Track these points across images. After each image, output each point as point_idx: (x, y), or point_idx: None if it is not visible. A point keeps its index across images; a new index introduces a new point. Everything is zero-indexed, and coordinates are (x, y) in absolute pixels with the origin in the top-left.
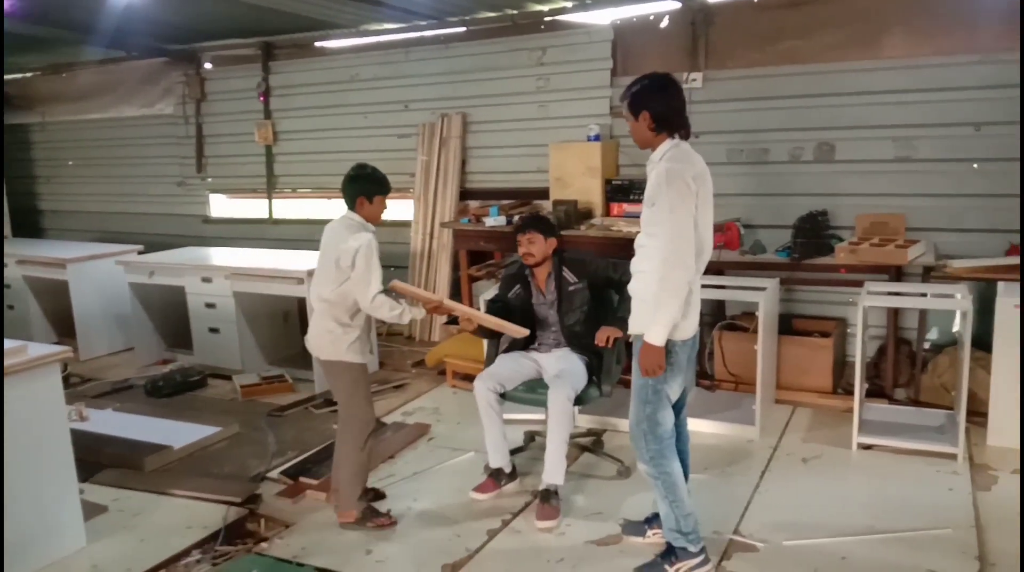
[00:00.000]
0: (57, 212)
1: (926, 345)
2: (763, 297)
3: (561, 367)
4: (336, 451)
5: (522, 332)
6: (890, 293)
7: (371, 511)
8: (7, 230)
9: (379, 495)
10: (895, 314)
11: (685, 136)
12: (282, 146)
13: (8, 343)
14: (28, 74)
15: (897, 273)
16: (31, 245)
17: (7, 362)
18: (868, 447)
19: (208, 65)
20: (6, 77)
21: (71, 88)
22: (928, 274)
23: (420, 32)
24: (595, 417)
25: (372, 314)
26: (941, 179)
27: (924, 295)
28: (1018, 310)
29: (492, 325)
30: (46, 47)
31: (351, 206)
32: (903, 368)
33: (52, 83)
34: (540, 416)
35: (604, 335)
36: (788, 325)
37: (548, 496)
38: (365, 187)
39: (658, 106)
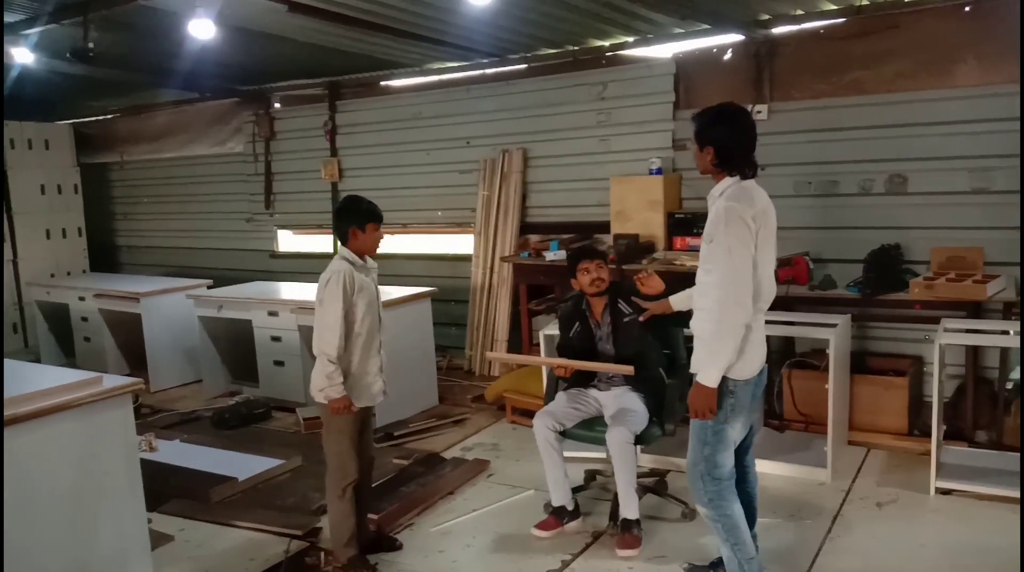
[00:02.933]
0: (132, 248)
1: (1008, 385)
2: (834, 333)
3: (620, 407)
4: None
5: (627, 369)
6: (969, 330)
7: (358, 560)
8: (86, 264)
9: (393, 545)
10: (974, 352)
11: (751, 175)
12: (347, 183)
13: (84, 374)
14: (108, 116)
15: (976, 309)
16: (107, 279)
17: (84, 393)
18: (947, 492)
19: (277, 105)
20: (88, 119)
21: (148, 128)
22: (1009, 310)
23: (482, 70)
24: (657, 457)
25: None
26: (1020, 211)
27: (1006, 333)
28: None
29: (597, 369)
30: (125, 90)
31: (343, 240)
32: (984, 409)
33: (130, 124)
34: (601, 454)
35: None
36: (861, 363)
37: (629, 525)
38: (356, 218)
39: (724, 143)
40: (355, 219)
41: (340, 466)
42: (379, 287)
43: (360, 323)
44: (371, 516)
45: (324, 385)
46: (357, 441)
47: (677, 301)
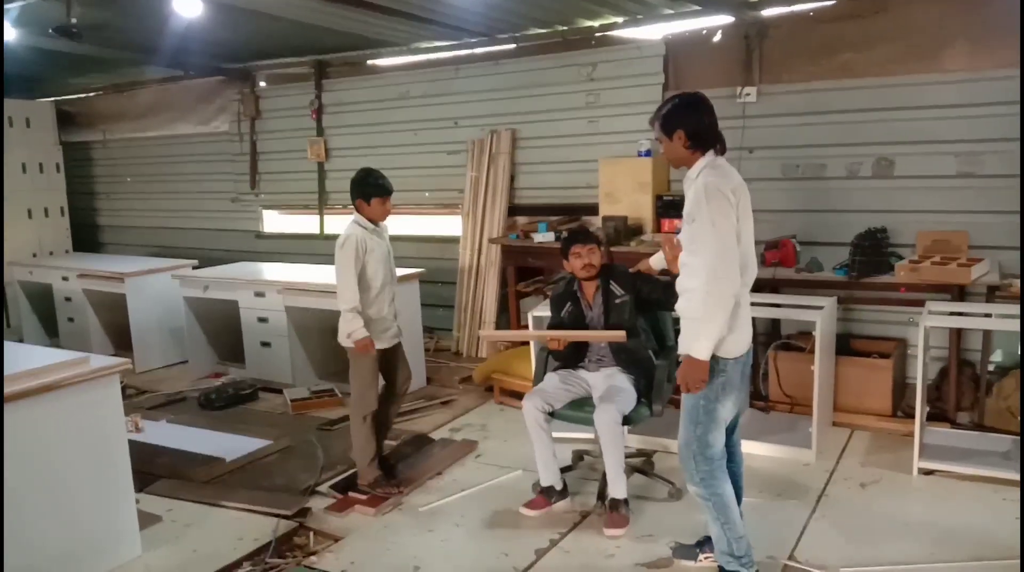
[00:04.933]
0: (115, 227)
1: (991, 367)
2: (820, 316)
3: (608, 387)
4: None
5: (619, 335)
6: (953, 313)
7: (383, 478)
8: (69, 244)
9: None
10: (958, 335)
11: (721, 151)
12: (334, 163)
13: (71, 354)
14: (91, 94)
15: (960, 292)
16: (91, 259)
17: (71, 373)
18: (930, 472)
19: (262, 83)
20: (70, 96)
21: (131, 107)
22: (993, 293)
23: (470, 49)
24: (645, 437)
25: None
26: (1006, 195)
27: (989, 315)
28: None
29: (589, 338)
30: (108, 67)
31: (357, 208)
32: (966, 391)
33: (113, 102)
34: (589, 435)
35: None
36: (846, 345)
37: (617, 505)
38: (362, 190)
39: (691, 123)
40: (362, 192)
41: (361, 397)
42: (391, 247)
43: (373, 278)
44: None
45: (349, 330)
46: (376, 377)
47: (656, 260)
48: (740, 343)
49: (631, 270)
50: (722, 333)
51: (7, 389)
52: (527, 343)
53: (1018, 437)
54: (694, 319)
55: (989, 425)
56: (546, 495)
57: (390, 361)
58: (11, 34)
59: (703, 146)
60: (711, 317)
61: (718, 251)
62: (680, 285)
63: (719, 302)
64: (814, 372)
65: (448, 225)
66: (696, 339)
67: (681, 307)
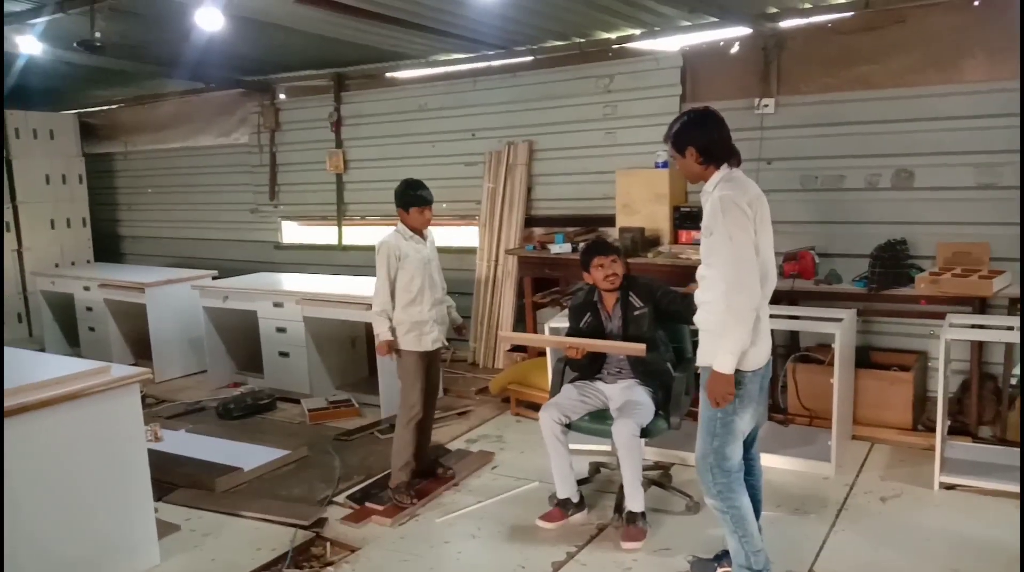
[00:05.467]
0: (136, 238)
1: (1013, 381)
2: (839, 328)
3: (626, 399)
4: None
5: (639, 349)
6: (974, 326)
7: (406, 487)
8: (91, 254)
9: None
10: (979, 348)
11: (736, 163)
12: (352, 174)
13: (92, 364)
14: (113, 106)
15: (981, 305)
16: (112, 269)
17: (92, 382)
18: (951, 487)
19: (282, 96)
20: (93, 109)
21: (152, 118)
22: (1015, 306)
23: (488, 62)
24: (663, 450)
25: None
26: (1020, 207)
27: (1011, 328)
28: None
29: (609, 349)
30: (130, 80)
31: (400, 217)
32: (988, 404)
33: (135, 114)
34: (606, 447)
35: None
36: (865, 358)
37: (634, 518)
38: (400, 200)
39: (702, 140)
40: (402, 203)
41: (407, 399)
42: (436, 253)
43: (409, 283)
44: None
45: (377, 331)
46: (419, 380)
47: None
48: (760, 356)
49: (682, 292)
50: (744, 346)
51: (29, 398)
52: (544, 354)
53: None
54: (712, 332)
55: (1011, 439)
56: (563, 507)
57: (430, 364)
58: (36, 48)
59: (716, 161)
60: (732, 331)
61: (736, 265)
62: (698, 297)
63: (740, 315)
64: (833, 385)
65: (465, 236)
66: (719, 353)
67: (699, 319)
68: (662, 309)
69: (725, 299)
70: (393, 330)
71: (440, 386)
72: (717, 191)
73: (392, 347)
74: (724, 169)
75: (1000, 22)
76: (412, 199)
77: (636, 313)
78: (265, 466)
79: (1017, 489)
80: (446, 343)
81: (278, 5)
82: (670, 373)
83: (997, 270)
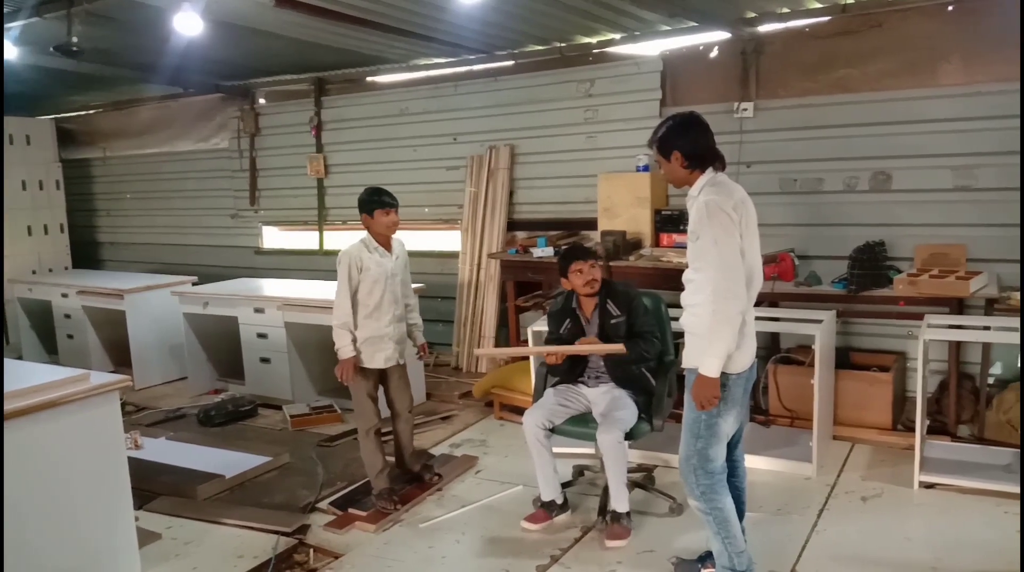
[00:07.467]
0: (115, 244)
1: (990, 380)
2: (819, 330)
3: (609, 404)
4: None
5: (618, 348)
6: (952, 326)
7: (389, 492)
8: (69, 261)
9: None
10: (957, 348)
11: (721, 167)
12: (333, 179)
13: (71, 371)
14: (91, 111)
15: (959, 305)
16: (90, 276)
17: (71, 390)
18: (930, 486)
19: (262, 100)
20: (70, 114)
21: (131, 124)
22: (991, 306)
23: (469, 66)
24: (646, 452)
25: None
26: (1003, 208)
27: (987, 328)
28: None
29: (586, 351)
30: (108, 85)
31: (364, 224)
32: (966, 404)
33: (113, 119)
34: (589, 450)
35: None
36: (845, 359)
37: (618, 517)
38: (365, 205)
39: (687, 144)
40: (363, 207)
41: (360, 412)
42: (405, 266)
43: (367, 296)
44: (356, 511)
45: (337, 345)
46: (370, 394)
47: None
48: (745, 358)
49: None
50: (730, 349)
51: (6, 406)
52: (527, 358)
53: (1019, 450)
54: (699, 335)
55: (989, 438)
56: (547, 509)
57: (386, 383)
58: (12, 52)
59: (701, 165)
60: (719, 334)
61: (722, 269)
62: (684, 300)
63: (726, 319)
64: (814, 386)
65: (447, 240)
66: (705, 357)
67: (686, 322)
68: (635, 330)
69: (711, 304)
70: (356, 345)
71: (409, 395)
72: (703, 195)
73: (355, 366)
74: (709, 173)
75: (975, 26)
76: (374, 203)
77: (613, 321)
78: (247, 473)
79: (996, 487)
80: (402, 361)
81: (257, 10)
82: (647, 378)
83: (974, 271)
